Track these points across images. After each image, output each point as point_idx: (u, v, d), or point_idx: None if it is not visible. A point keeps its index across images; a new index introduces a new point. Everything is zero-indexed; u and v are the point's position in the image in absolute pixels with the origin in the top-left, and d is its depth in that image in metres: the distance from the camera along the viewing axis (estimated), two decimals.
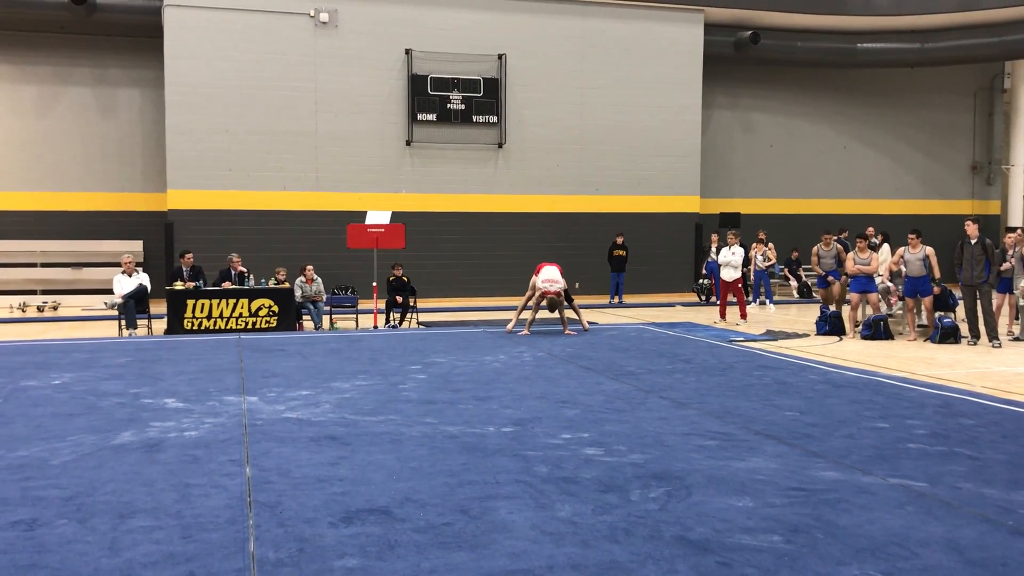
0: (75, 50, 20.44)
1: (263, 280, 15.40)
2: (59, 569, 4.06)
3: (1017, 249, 13.59)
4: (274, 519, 4.73)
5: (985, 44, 23.51)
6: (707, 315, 17.31)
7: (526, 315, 13.89)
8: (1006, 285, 13.52)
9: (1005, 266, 13.20)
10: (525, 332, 13.54)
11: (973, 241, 12.58)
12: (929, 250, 13.02)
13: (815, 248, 14.98)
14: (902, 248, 13.46)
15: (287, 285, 15.10)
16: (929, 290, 13.01)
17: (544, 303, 13.51)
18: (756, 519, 4.72)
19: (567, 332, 13.58)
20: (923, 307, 13.21)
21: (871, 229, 16.83)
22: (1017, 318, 14.11)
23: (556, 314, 13.78)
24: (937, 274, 13.03)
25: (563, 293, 13.54)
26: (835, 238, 15.27)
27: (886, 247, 16.42)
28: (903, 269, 13.55)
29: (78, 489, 5.31)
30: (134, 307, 14.31)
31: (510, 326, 13.76)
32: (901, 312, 14.29)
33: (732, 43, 23.06)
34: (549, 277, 13.40)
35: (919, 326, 13.30)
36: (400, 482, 5.43)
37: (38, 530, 4.58)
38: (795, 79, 24.86)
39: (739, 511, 4.85)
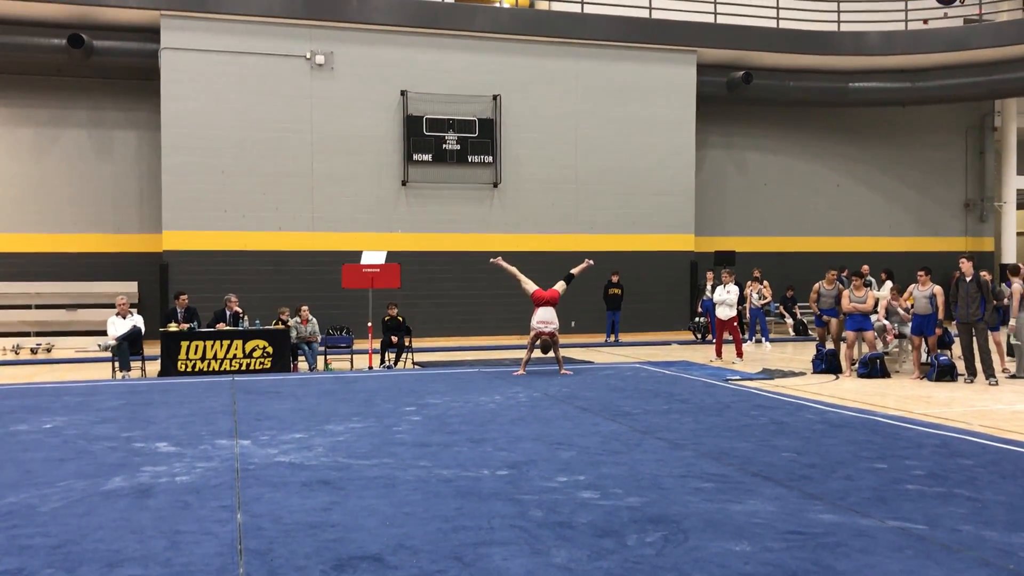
0: (72, 93, 20.55)
1: (257, 321, 15.35)
2: None
3: (1012, 286, 13.60)
4: (264, 567, 4.66)
5: (974, 83, 23.74)
6: (703, 353, 17.27)
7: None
8: (1003, 321, 13.56)
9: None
10: (521, 372, 13.50)
11: (968, 278, 12.60)
12: (937, 289, 13.03)
13: (817, 285, 14.96)
14: (912, 285, 13.48)
15: (290, 324, 15.08)
16: (932, 329, 13.00)
17: (539, 343, 13.49)
18: (754, 564, 4.66)
19: (563, 372, 13.53)
20: (927, 345, 13.19)
21: (866, 267, 16.87)
22: (1011, 355, 14.10)
23: (550, 354, 13.74)
24: (942, 314, 13.02)
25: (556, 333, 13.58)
26: (842, 276, 15.25)
27: (888, 284, 16.43)
28: (897, 307, 13.54)
29: (66, 537, 5.23)
30: (128, 349, 14.25)
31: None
32: (897, 350, 14.27)
33: (725, 83, 23.25)
34: (544, 319, 13.42)
35: (921, 364, 13.26)
36: (393, 528, 5.35)
37: None
38: (788, 118, 25.05)
39: (737, 556, 4.79)
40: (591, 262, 14.64)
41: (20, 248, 20.27)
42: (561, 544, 5.01)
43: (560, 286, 13.94)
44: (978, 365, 12.60)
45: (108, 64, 19.91)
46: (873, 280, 18.87)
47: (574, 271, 14.41)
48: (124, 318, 14.44)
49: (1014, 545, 4.96)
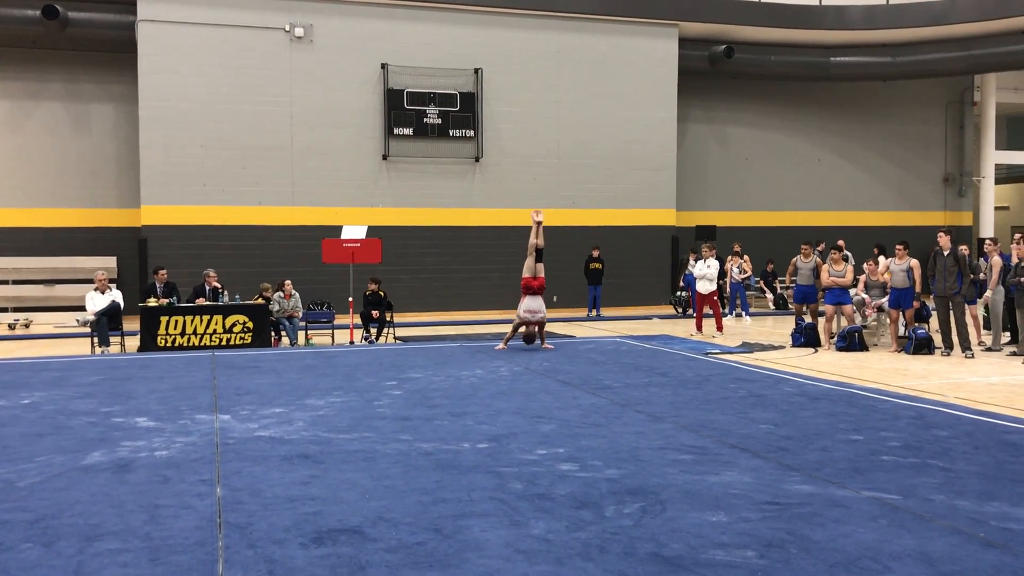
0: (47, 65, 20.26)
1: (237, 296, 15.28)
2: None
3: (989, 259, 13.73)
4: (244, 540, 4.67)
5: (954, 58, 23.80)
6: (684, 327, 17.36)
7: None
8: (980, 295, 13.70)
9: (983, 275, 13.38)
10: (502, 347, 13.51)
11: (946, 252, 12.69)
12: (914, 262, 13.12)
13: (794, 259, 15.00)
14: (889, 259, 13.57)
15: (273, 298, 15.04)
16: (910, 303, 13.10)
17: (523, 330, 13.42)
18: (730, 534, 4.71)
19: (544, 346, 13.56)
20: (904, 319, 13.30)
21: (842, 241, 16.93)
22: (986, 328, 14.26)
23: (536, 344, 13.64)
24: (919, 287, 13.12)
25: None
26: (816, 251, 15.28)
27: (882, 259, 16.51)
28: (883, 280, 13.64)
29: (44, 511, 5.22)
30: (107, 324, 14.17)
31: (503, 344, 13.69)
32: (876, 323, 14.39)
33: (706, 57, 23.21)
34: (532, 308, 13.33)
35: (899, 337, 13.37)
36: (373, 501, 5.38)
37: (1, 555, 4.49)
38: (769, 92, 25.05)
39: (713, 526, 4.84)
40: (539, 218, 13.72)
41: None
42: (540, 516, 5.05)
43: (540, 268, 13.58)
44: (955, 338, 12.73)
45: (84, 36, 19.62)
46: (850, 254, 18.95)
47: (539, 243, 13.57)
48: (103, 293, 14.34)
49: (986, 514, 5.04)
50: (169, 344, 14.14)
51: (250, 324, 14.54)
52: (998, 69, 24.73)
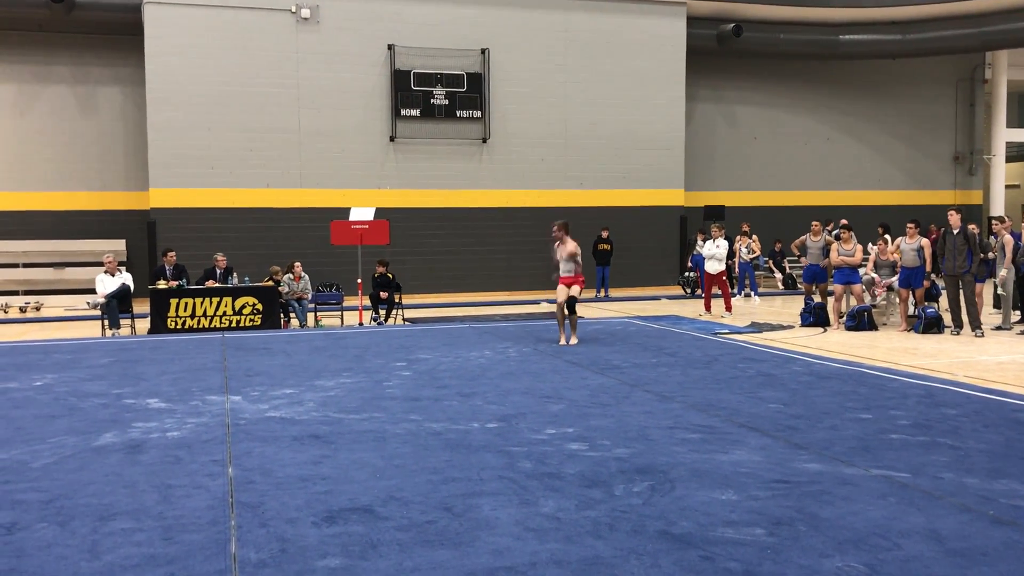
0: (54, 48, 20.25)
1: (246, 278, 15.32)
2: (38, 573, 4.03)
3: (999, 238, 13.66)
4: (256, 519, 4.71)
5: (965, 35, 23.61)
6: (692, 308, 17.34)
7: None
8: (990, 274, 13.64)
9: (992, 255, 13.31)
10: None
11: (955, 231, 12.64)
12: (924, 242, 13.07)
13: (803, 238, 14.95)
14: (900, 238, 13.52)
15: (283, 281, 15.10)
16: (920, 282, 13.05)
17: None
18: (739, 512, 4.73)
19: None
20: (914, 298, 13.25)
21: (844, 221, 16.86)
22: (996, 307, 14.20)
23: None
24: (929, 267, 13.07)
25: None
26: (826, 230, 15.20)
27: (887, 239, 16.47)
28: (897, 259, 13.59)
29: (59, 492, 5.27)
30: (117, 307, 14.23)
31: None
32: (885, 303, 14.35)
33: (715, 36, 23.06)
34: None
35: (908, 316, 13.32)
36: (383, 480, 5.41)
37: (17, 534, 4.54)
38: (778, 71, 24.89)
39: (722, 504, 4.86)
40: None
41: (6, 206, 20.11)
42: (549, 494, 5.07)
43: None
44: (965, 317, 12.69)
45: (90, 19, 19.60)
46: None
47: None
48: (113, 276, 14.39)
49: (994, 491, 5.05)
50: (179, 326, 14.20)
51: (259, 306, 14.58)
52: (1010, 46, 24.53)
